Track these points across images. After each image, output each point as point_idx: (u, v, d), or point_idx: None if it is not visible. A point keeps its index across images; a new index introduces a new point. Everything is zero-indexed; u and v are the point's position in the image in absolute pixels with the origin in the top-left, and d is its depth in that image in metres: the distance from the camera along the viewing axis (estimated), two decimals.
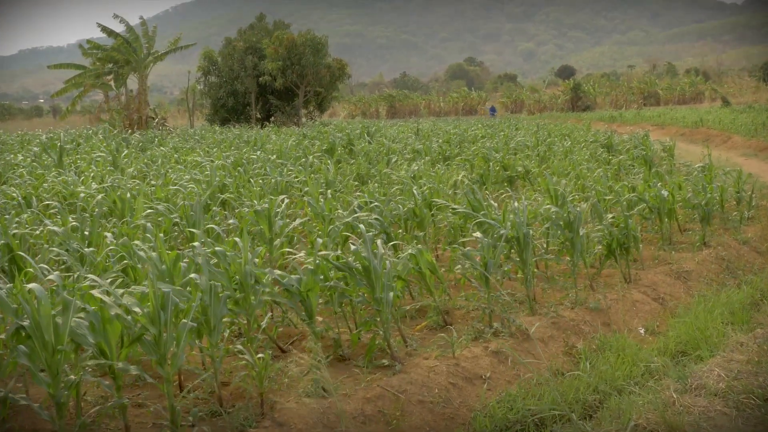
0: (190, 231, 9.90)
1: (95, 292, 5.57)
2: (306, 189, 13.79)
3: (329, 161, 19.43)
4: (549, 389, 6.62)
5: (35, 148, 25.66)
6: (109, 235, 8.48)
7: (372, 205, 11.07)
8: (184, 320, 5.73)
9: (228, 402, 6.31)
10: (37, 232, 9.45)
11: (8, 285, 5.97)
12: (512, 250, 9.25)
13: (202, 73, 61.26)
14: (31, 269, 6.78)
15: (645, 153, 20.05)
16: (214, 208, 12.05)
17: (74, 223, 9.57)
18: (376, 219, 9.97)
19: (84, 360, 5.58)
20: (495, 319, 8.34)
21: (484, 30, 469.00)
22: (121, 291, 5.79)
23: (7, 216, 9.77)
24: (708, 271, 11.19)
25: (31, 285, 5.37)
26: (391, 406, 6.36)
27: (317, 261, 7.27)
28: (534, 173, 17.45)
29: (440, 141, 26.95)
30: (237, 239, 7.70)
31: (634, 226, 10.69)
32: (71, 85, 49.99)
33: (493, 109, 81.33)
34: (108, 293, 5.62)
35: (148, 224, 9.26)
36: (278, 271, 7.19)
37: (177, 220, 10.74)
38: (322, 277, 7.39)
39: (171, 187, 13.63)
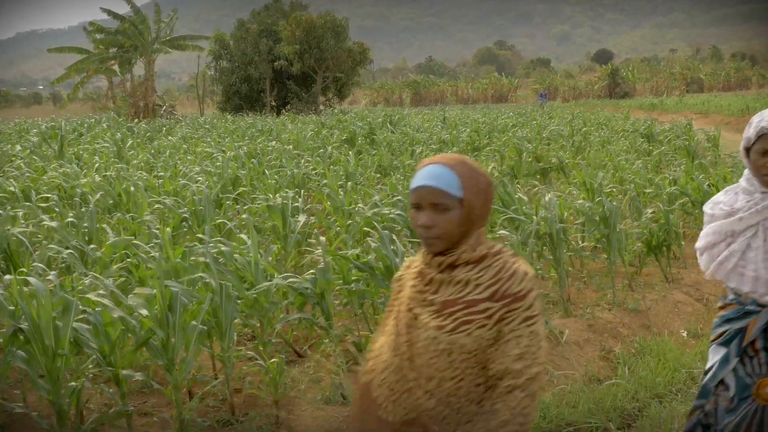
0: (198, 228, 9.90)
1: (92, 295, 5.55)
2: (324, 182, 13.76)
3: (349, 152, 19.43)
4: (584, 397, 6.57)
5: (34, 138, 25.77)
6: (111, 232, 8.48)
7: (395, 199, 11.03)
8: (193, 322, 5.70)
9: (240, 410, 6.27)
10: (34, 227, 9.42)
11: (7, 277, 5.96)
12: (544, 248, 9.19)
13: (212, 57, 61.28)
14: (26, 269, 6.79)
15: (687, 143, 19.92)
16: (227, 203, 12.04)
17: (72, 219, 9.53)
18: (398, 214, 9.92)
19: (86, 365, 5.57)
20: None
21: (515, 11, 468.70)
22: (120, 289, 5.77)
23: (1, 212, 9.76)
24: None
25: (31, 280, 5.36)
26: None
27: (328, 259, 7.23)
28: (569, 165, 17.37)
29: (468, 130, 26.91)
30: (243, 236, 7.66)
31: (676, 221, 10.61)
32: (73, 70, 50.13)
33: (543, 95, 78.86)
34: (110, 294, 5.60)
35: (154, 221, 9.25)
36: (290, 276, 7.16)
37: (186, 215, 10.71)
38: (339, 276, 7.37)
39: (180, 180, 13.61)
